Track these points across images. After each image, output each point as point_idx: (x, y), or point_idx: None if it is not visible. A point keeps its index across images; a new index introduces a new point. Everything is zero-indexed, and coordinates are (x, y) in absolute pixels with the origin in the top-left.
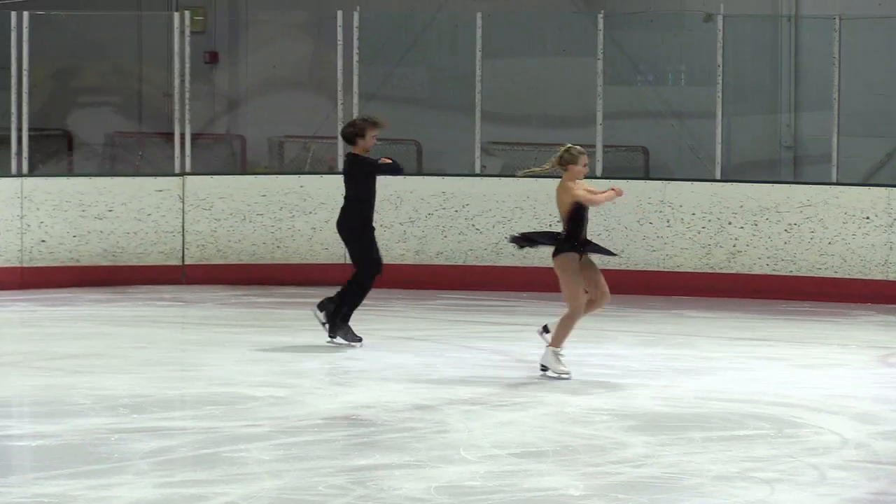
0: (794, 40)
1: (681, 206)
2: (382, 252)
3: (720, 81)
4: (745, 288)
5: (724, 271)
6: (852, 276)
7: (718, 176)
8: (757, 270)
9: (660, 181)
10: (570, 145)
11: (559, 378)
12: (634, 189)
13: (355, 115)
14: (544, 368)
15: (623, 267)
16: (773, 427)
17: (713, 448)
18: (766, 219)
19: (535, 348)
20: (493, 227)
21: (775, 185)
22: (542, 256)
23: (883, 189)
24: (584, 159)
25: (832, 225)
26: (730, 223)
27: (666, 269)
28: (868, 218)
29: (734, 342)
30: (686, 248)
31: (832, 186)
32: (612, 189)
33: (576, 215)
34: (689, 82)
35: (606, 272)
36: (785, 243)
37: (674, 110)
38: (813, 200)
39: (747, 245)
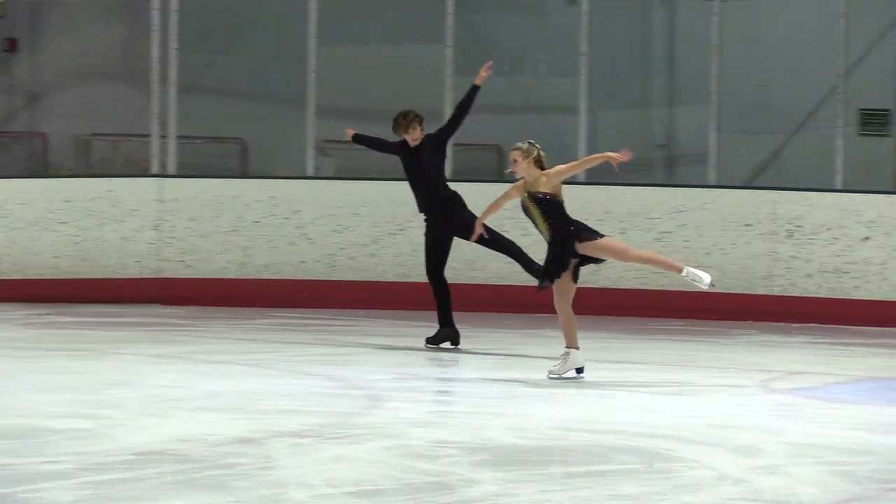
0: (669, 26)
1: None
2: (202, 265)
3: (584, 72)
4: (611, 304)
5: (587, 285)
6: (731, 291)
7: (582, 178)
8: (624, 284)
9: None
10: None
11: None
12: (485, 193)
13: (172, 109)
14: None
15: (475, 281)
16: (642, 461)
17: (574, 485)
18: (635, 226)
19: (372, 373)
20: (328, 236)
21: (646, 187)
22: (383, 269)
23: (767, 192)
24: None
25: (709, 233)
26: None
27: (522, 284)
28: (749, 225)
29: (598, 365)
30: (540, 259)
31: (710, 189)
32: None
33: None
34: (549, 73)
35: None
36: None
37: (532, 104)
38: (688, 205)
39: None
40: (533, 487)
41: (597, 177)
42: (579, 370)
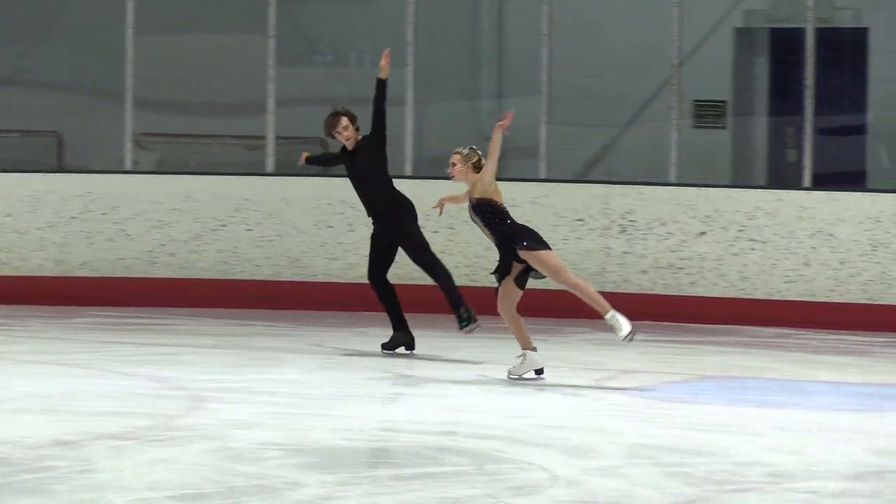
0: (498, 15)
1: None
2: (18, 263)
3: (411, 62)
4: (437, 301)
5: (414, 282)
6: (563, 288)
7: (409, 172)
8: (457, 281)
9: (340, 178)
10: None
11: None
12: (311, 187)
13: None
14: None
15: (298, 278)
16: (472, 463)
17: (402, 488)
18: (463, 221)
19: (195, 373)
20: (148, 232)
21: None
22: (205, 265)
23: (599, 186)
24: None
25: (540, 228)
26: (422, 226)
27: (348, 281)
28: (582, 220)
29: (429, 365)
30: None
31: (541, 183)
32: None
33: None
34: (374, 63)
35: (265, 284)
36: (486, 250)
37: (357, 96)
38: (518, 200)
39: (442, 252)
40: (360, 490)
41: (422, 171)
42: (538, 371)
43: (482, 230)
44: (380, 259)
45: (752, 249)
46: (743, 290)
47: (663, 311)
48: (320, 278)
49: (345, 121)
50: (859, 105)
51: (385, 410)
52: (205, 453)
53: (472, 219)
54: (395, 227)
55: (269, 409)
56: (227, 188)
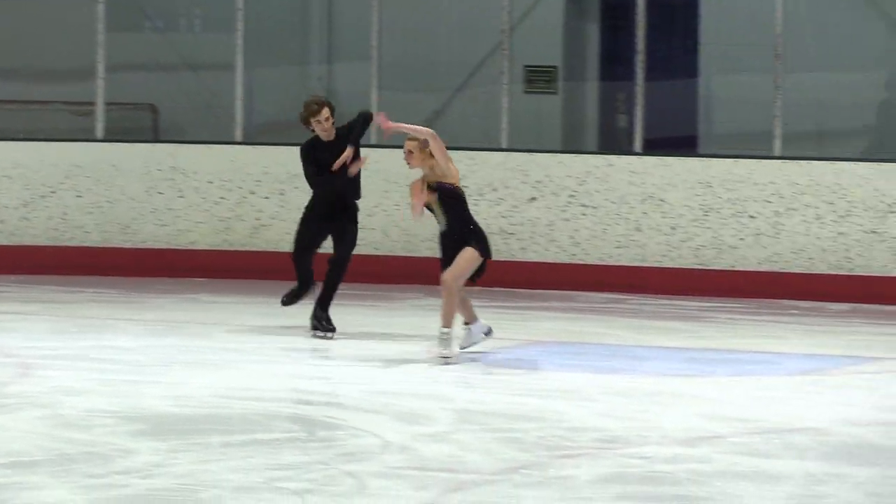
0: None
1: (195, 172)
2: None
3: (240, 28)
4: (271, 268)
5: (246, 248)
6: (395, 254)
7: (239, 138)
8: (284, 247)
9: (171, 144)
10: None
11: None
12: (140, 153)
13: None
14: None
15: (128, 245)
16: (304, 429)
17: (234, 455)
18: (294, 187)
19: (24, 340)
20: None
21: None
22: (35, 233)
23: None
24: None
25: (372, 195)
26: (253, 193)
27: (178, 247)
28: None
29: (259, 331)
30: (202, 223)
31: (373, 149)
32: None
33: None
34: (204, 28)
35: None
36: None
37: (187, 61)
38: None
39: (273, 218)
40: (192, 457)
41: (253, 138)
42: (487, 332)
43: (436, 215)
44: (306, 237)
45: (584, 215)
46: (574, 255)
47: (494, 277)
48: (150, 245)
49: (326, 111)
50: (690, 71)
51: (216, 378)
52: (34, 420)
53: (430, 206)
54: (353, 220)
55: (99, 377)
56: (57, 155)
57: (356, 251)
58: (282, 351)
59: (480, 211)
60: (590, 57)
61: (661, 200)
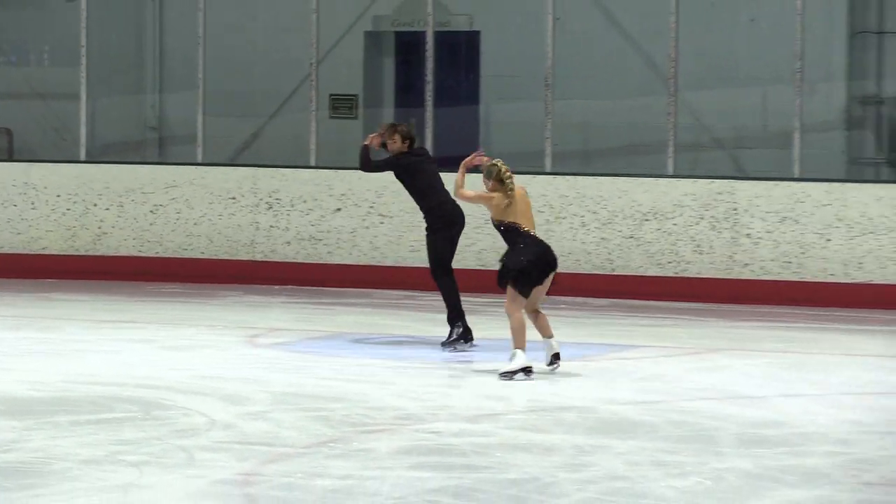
0: (160, 21)
1: (45, 187)
2: None
3: (84, 62)
4: (112, 270)
5: (90, 253)
6: (219, 257)
7: (83, 157)
8: (124, 252)
9: (24, 163)
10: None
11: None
12: None
13: None
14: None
15: None
16: (141, 410)
17: (81, 432)
18: (131, 200)
19: None
20: None
21: (140, 165)
22: None
23: (248, 169)
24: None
25: (198, 206)
26: (95, 205)
27: (31, 252)
28: (234, 198)
29: (102, 325)
30: (51, 231)
31: (198, 167)
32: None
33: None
34: (52, 63)
35: None
36: (151, 224)
37: (38, 91)
38: (179, 181)
39: (113, 227)
40: (44, 434)
41: (95, 157)
42: (527, 371)
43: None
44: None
45: (381, 223)
46: (374, 258)
47: (305, 277)
48: (6, 250)
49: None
50: (473, 98)
51: (65, 365)
52: None
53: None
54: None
55: None
56: None
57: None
58: (121, 342)
59: (292, 220)
60: (386, 87)
61: None
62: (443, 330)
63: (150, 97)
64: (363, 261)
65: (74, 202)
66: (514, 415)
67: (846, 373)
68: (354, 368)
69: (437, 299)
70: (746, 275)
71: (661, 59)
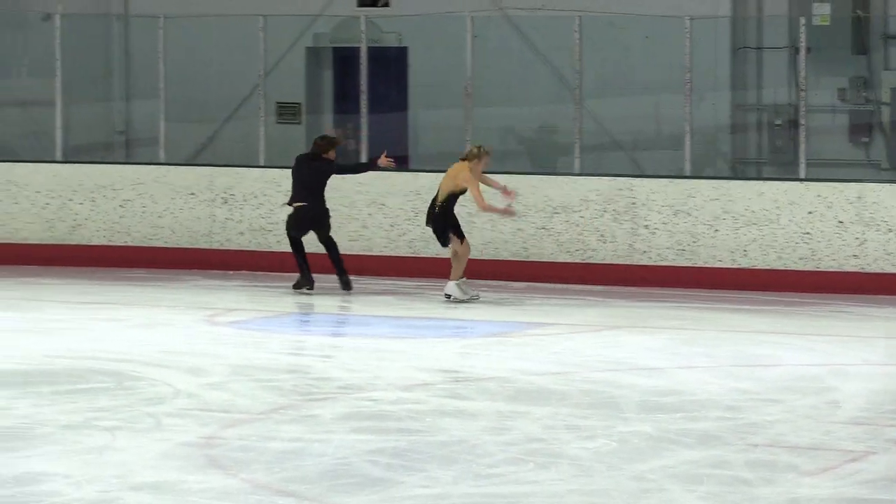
0: (125, 37)
1: (26, 184)
2: None
3: (59, 73)
4: (85, 258)
5: (66, 243)
6: (181, 246)
7: (60, 158)
8: (96, 241)
9: (6, 163)
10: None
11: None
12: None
13: None
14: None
15: None
16: (114, 380)
17: (60, 400)
18: (102, 195)
19: None
20: None
21: (110, 165)
22: None
23: (205, 168)
24: (486, 160)
25: (161, 200)
26: (70, 200)
27: (14, 242)
28: (193, 194)
29: (78, 306)
30: (31, 223)
31: (160, 166)
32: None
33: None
34: (30, 74)
35: None
36: (120, 217)
37: (18, 99)
38: (144, 179)
39: (86, 219)
40: (27, 403)
41: (70, 157)
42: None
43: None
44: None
45: None
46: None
47: (257, 264)
48: None
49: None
50: (402, 106)
51: (46, 341)
52: None
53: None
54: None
55: None
56: None
57: None
58: (95, 321)
59: (245, 213)
60: (325, 96)
61: (383, 204)
62: (374, 309)
63: (118, 104)
64: (309, 249)
65: (52, 197)
66: (442, 384)
67: (735, 347)
68: (301, 344)
69: (372, 283)
70: (645, 261)
71: (567, 71)
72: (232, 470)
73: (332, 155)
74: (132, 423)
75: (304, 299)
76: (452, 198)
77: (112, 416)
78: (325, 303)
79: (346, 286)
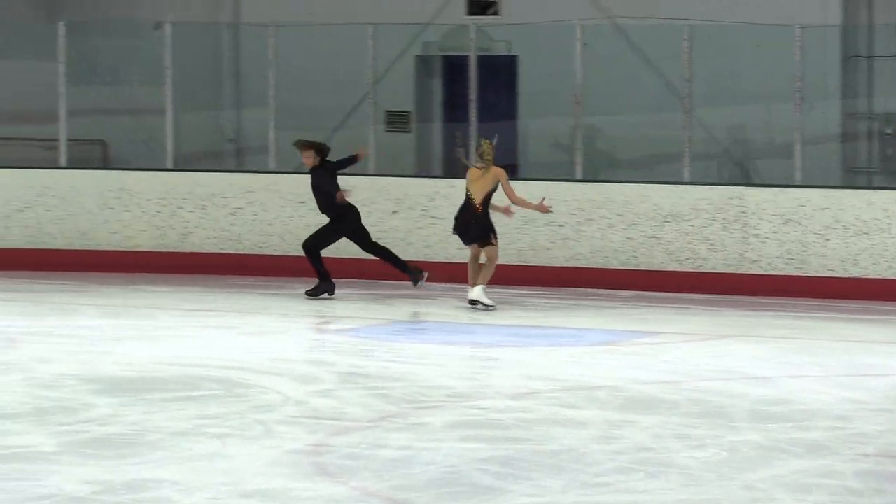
0: (235, 45)
1: (138, 192)
2: None
3: (169, 82)
4: (196, 265)
5: (177, 250)
6: (290, 254)
7: (171, 166)
8: (207, 249)
9: (119, 171)
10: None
11: (487, 309)
12: (95, 178)
13: None
14: (474, 303)
15: (85, 247)
16: (224, 388)
17: (170, 407)
18: (213, 203)
19: (8, 320)
20: None
21: (220, 173)
22: (11, 240)
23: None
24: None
25: (272, 208)
26: (181, 207)
27: (125, 249)
28: (303, 202)
29: (188, 313)
30: (143, 230)
31: (271, 174)
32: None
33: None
34: (142, 82)
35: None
36: (231, 224)
37: (129, 108)
38: (254, 187)
39: (197, 227)
40: (138, 409)
41: (180, 165)
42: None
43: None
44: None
45: (433, 224)
46: (427, 255)
47: (366, 272)
48: (103, 247)
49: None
50: (511, 114)
51: (156, 348)
52: (13, 383)
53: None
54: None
55: (65, 348)
56: (29, 179)
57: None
58: (205, 328)
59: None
60: (435, 104)
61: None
62: (481, 317)
63: (228, 112)
64: (417, 258)
65: (163, 205)
66: (551, 393)
67: (845, 357)
68: (410, 352)
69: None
70: (755, 270)
71: (677, 80)
72: (341, 478)
73: (312, 156)
74: (242, 430)
75: (413, 308)
76: (488, 199)
77: (222, 423)
78: (432, 311)
79: (415, 281)
